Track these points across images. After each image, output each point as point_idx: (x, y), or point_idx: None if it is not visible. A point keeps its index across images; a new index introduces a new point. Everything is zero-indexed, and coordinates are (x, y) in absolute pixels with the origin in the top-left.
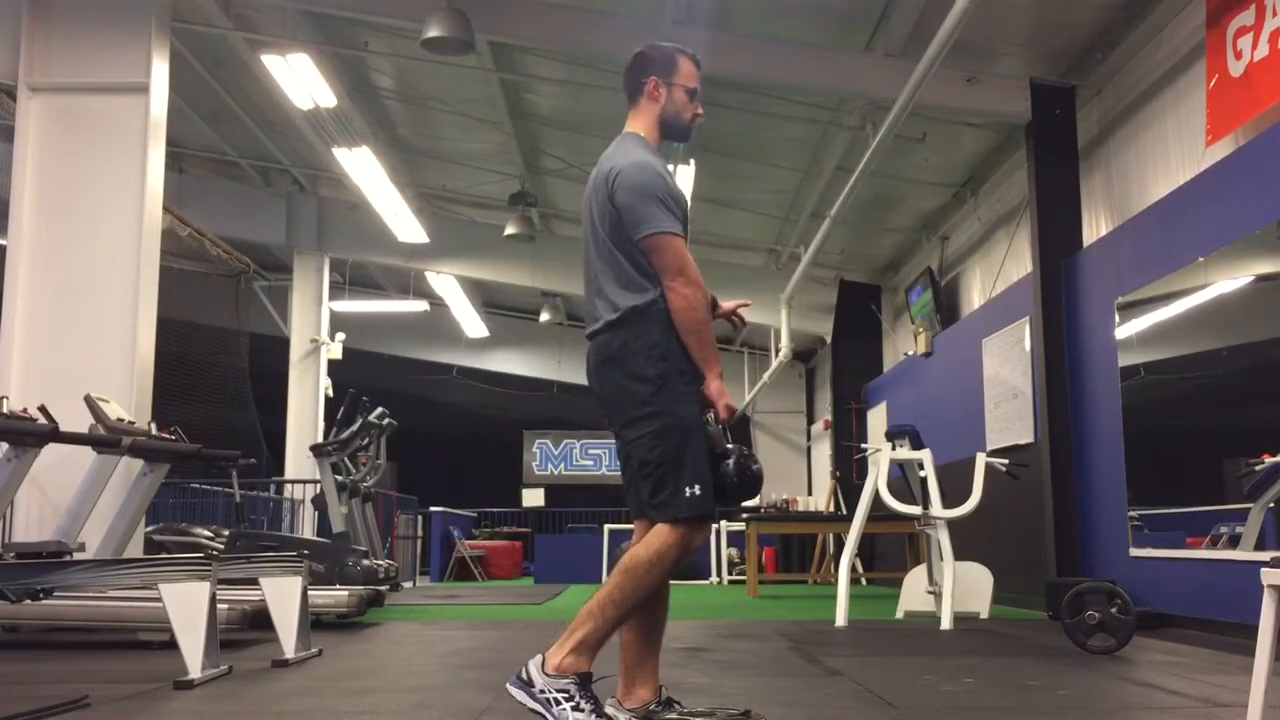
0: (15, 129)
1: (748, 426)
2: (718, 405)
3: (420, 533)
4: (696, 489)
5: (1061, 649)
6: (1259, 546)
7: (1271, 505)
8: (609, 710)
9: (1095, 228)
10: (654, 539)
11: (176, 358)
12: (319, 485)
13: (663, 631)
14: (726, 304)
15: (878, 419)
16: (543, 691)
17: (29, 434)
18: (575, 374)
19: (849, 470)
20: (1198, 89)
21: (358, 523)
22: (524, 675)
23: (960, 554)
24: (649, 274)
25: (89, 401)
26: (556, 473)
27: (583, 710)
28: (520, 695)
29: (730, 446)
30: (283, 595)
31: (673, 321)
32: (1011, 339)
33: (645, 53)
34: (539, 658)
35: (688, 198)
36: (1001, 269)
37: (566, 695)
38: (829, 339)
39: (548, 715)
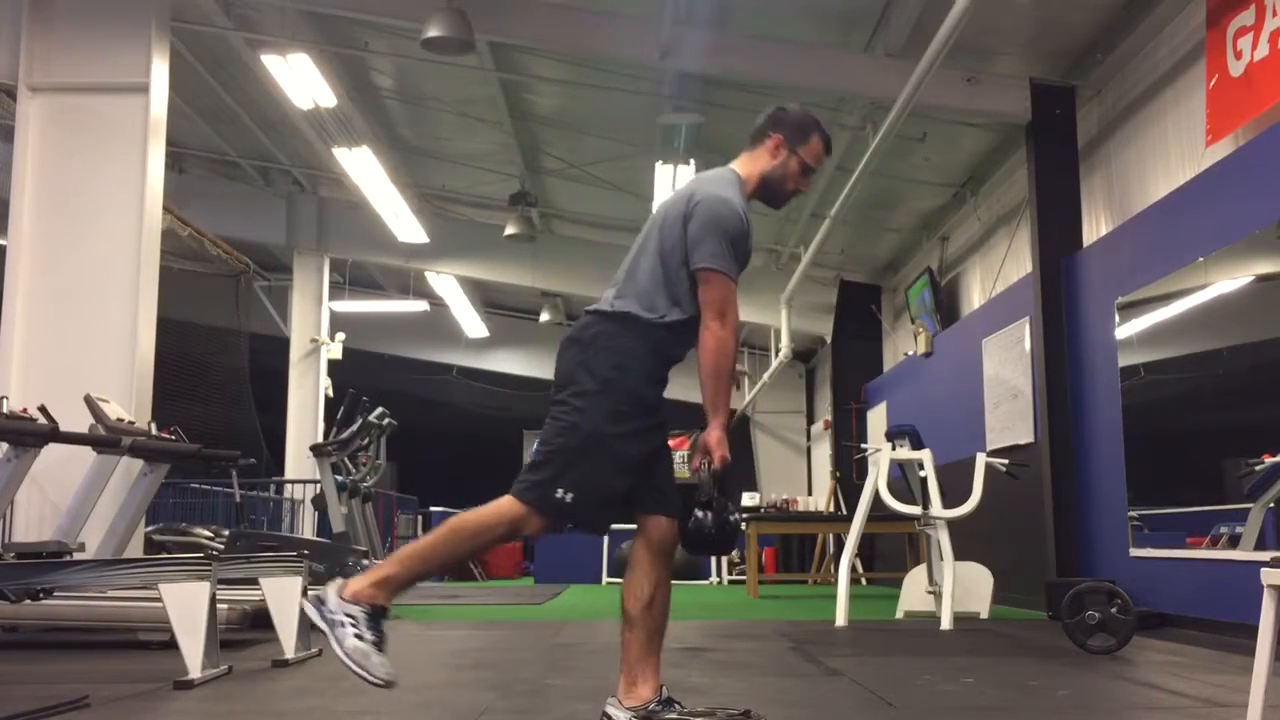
0: (15, 129)
1: (748, 426)
2: (714, 454)
3: (420, 533)
4: (568, 496)
5: (1061, 649)
6: (1259, 546)
7: (1271, 505)
8: (609, 710)
9: (1095, 228)
10: (490, 509)
11: (176, 358)
12: (319, 485)
13: (664, 633)
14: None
15: (878, 419)
16: (333, 613)
17: (29, 434)
18: None
19: (849, 470)
20: (1198, 89)
21: (358, 523)
22: (320, 595)
23: (960, 554)
24: (673, 301)
25: (89, 401)
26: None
27: (364, 640)
28: (311, 612)
29: (713, 498)
30: (283, 595)
31: (655, 347)
32: (1011, 339)
33: (788, 110)
34: (340, 581)
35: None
36: (1001, 269)
37: (353, 621)
38: (829, 339)
39: (330, 635)
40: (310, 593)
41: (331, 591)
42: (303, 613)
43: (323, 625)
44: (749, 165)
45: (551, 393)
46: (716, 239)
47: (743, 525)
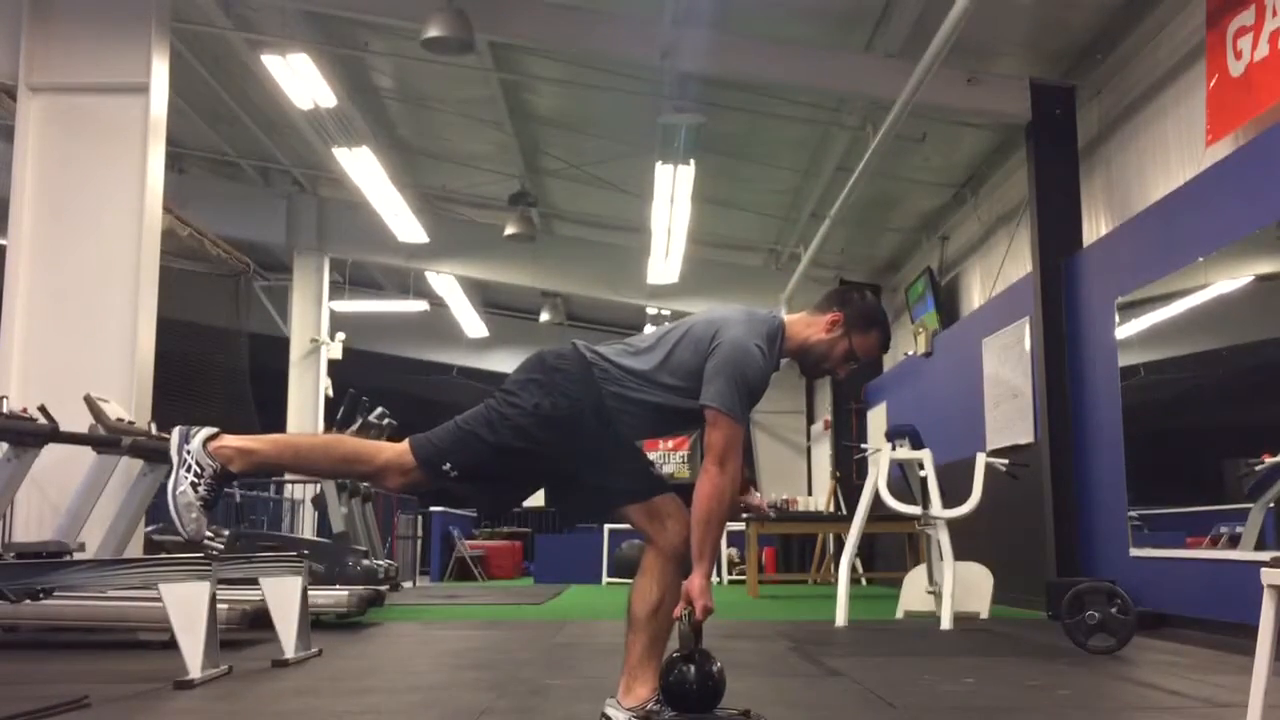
0: (15, 129)
1: (748, 426)
2: (696, 604)
3: (420, 533)
4: (453, 472)
5: (1061, 649)
6: (1259, 546)
7: (1271, 505)
8: (609, 710)
9: (1095, 228)
10: (373, 445)
11: (176, 358)
12: (319, 485)
13: (668, 638)
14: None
15: (878, 419)
16: (189, 454)
17: (29, 434)
18: None
19: (849, 470)
20: (1198, 89)
21: (358, 523)
22: (191, 431)
23: (960, 554)
24: (660, 386)
25: (89, 401)
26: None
27: (198, 490)
28: (174, 440)
29: (695, 650)
30: (283, 595)
31: (598, 405)
32: (1011, 339)
33: (863, 296)
34: (212, 430)
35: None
36: (1001, 269)
37: (198, 471)
38: None
39: (174, 471)
40: (181, 428)
41: (201, 436)
42: (303, 612)
43: (173, 458)
44: (804, 330)
45: (507, 379)
46: (731, 384)
47: (725, 685)
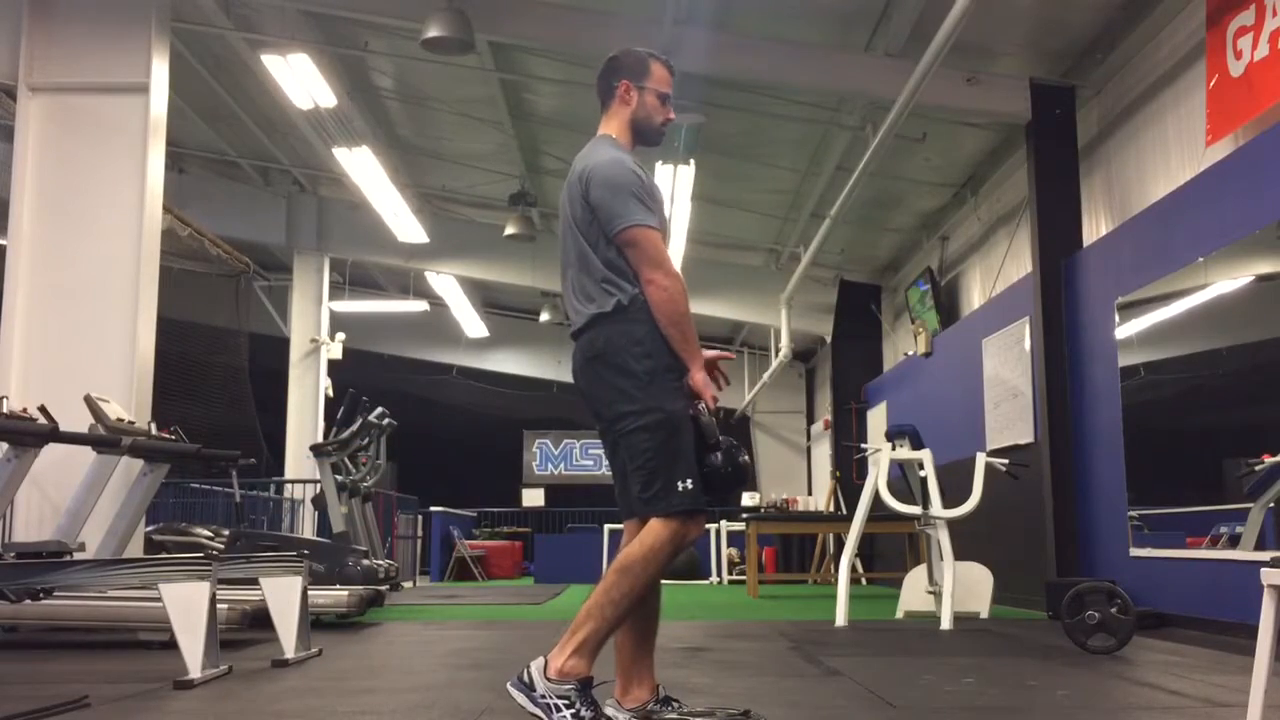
0: (15, 129)
1: (748, 426)
2: (704, 396)
3: (420, 533)
4: (688, 483)
5: (1061, 649)
6: (1259, 546)
7: (1271, 505)
8: (609, 711)
9: (1095, 228)
10: (647, 535)
11: (176, 358)
12: (319, 485)
13: (656, 630)
14: (708, 353)
15: (878, 419)
16: (544, 696)
17: (29, 434)
18: None
19: (849, 470)
20: (1198, 89)
21: (358, 523)
22: (525, 678)
23: (960, 554)
24: (625, 272)
25: (89, 401)
26: (556, 473)
27: (583, 717)
28: (521, 699)
29: (718, 438)
30: (283, 595)
31: (651, 318)
32: (1011, 339)
33: (618, 57)
34: (541, 660)
35: (687, 199)
36: (1001, 269)
37: (567, 702)
38: (829, 339)
39: None
40: (514, 677)
41: (536, 673)
42: (303, 612)
43: (537, 712)
44: (615, 122)
45: (599, 422)
46: (621, 199)
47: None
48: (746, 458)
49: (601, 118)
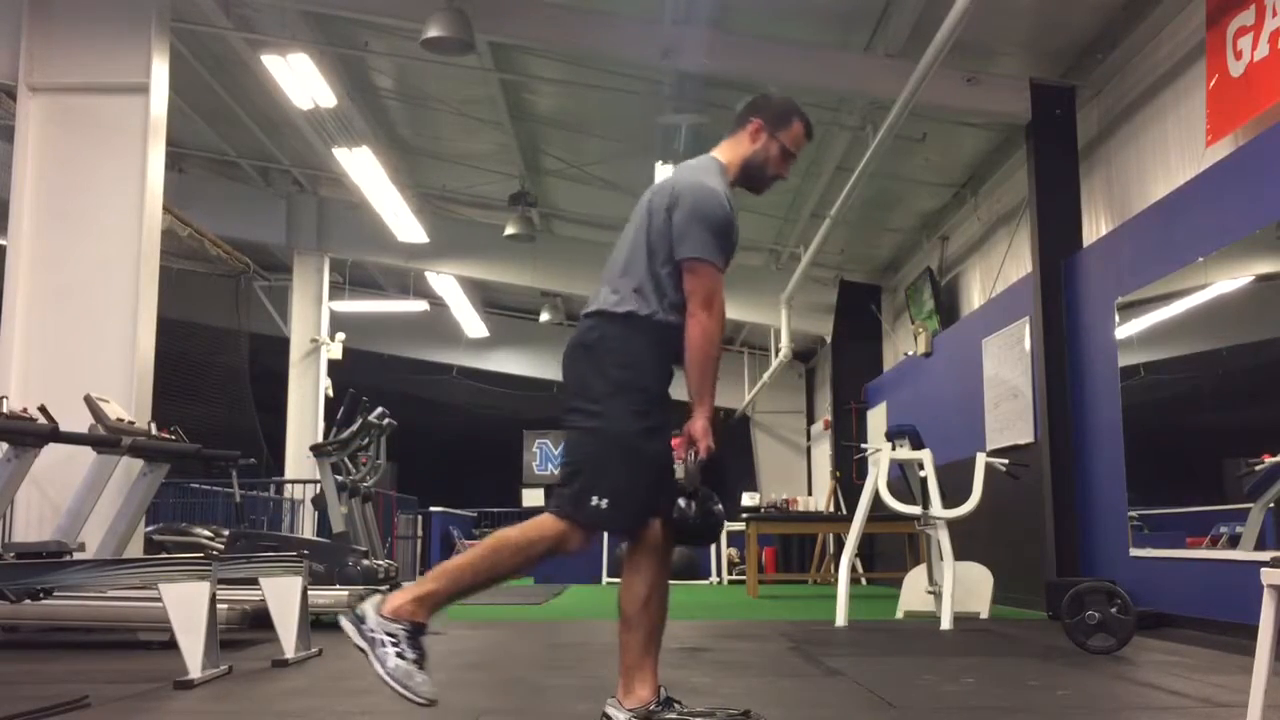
0: (15, 129)
1: (748, 426)
2: (700, 444)
3: (420, 533)
4: (603, 503)
5: (1061, 649)
6: (1259, 546)
7: (1271, 505)
8: (609, 710)
9: (1095, 228)
10: (532, 526)
11: (176, 358)
12: (319, 485)
13: (662, 632)
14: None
15: (878, 419)
16: (372, 631)
17: (29, 434)
18: None
19: (849, 470)
20: (1198, 89)
21: (358, 523)
22: (359, 612)
23: (960, 554)
24: (664, 293)
25: (89, 401)
26: (556, 473)
27: (405, 658)
28: (349, 629)
29: (698, 488)
30: (283, 595)
31: (660, 341)
32: (1011, 339)
33: (769, 97)
34: (379, 597)
35: None
36: (1001, 269)
37: (394, 640)
38: (829, 339)
39: (370, 654)
40: (343, 616)
41: (370, 608)
42: (303, 613)
43: (362, 644)
44: (731, 152)
45: (565, 402)
46: (701, 229)
47: (725, 522)
48: (721, 509)
49: (724, 140)
